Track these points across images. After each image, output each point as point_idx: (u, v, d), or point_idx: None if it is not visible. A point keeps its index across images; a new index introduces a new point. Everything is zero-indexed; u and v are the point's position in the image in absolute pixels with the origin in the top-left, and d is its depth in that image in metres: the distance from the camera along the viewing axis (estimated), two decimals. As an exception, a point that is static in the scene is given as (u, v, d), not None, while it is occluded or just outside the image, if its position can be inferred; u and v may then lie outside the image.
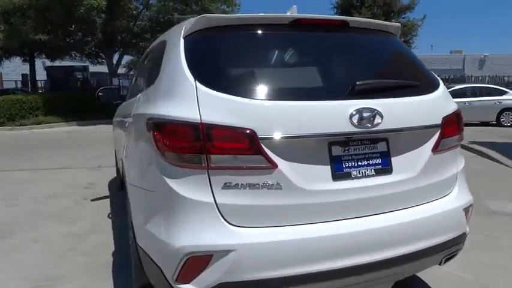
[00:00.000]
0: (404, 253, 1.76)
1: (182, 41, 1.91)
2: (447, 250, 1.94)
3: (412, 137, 1.87)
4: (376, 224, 1.74)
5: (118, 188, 5.03)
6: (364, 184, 1.75)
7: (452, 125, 1.98)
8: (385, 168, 1.80)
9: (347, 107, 1.71)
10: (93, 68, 23.72)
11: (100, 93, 4.35)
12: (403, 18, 18.66)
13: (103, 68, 21.50)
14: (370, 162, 1.78)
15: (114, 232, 3.62)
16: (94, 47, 18.27)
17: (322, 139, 1.70)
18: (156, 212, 1.75)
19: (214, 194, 1.60)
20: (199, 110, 1.61)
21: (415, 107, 1.89)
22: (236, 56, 1.86)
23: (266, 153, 1.60)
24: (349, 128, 1.70)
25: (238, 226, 1.60)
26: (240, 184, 1.60)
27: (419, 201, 1.88)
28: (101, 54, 18.92)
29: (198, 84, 1.67)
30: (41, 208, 4.37)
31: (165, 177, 1.66)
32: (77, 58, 20.25)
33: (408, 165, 1.85)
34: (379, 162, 1.80)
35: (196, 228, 1.60)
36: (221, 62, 1.83)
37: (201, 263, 1.59)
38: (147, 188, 1.85)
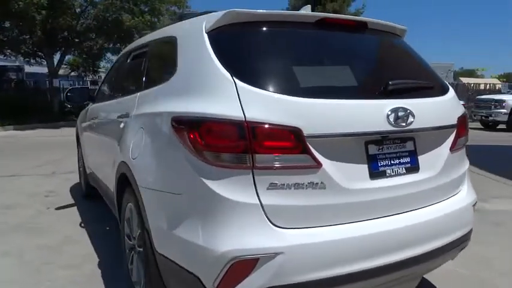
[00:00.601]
0: (432, 249, 1.81)
1: (206, 36, 1.83)
2: (462, 244, 2.03)
3: (434, 136, 1.94)
4: (408, 221, 1.77)
5: (84, 194, 4.71)
6: (397, 182, 1.78)
7: (463, 125, 2.08)
8: (413, 167, 1.85)
9: (384, 106, 1.73)
10: (29, 69, 22.06)
11: (69, 94, 4.05)
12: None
13: (41, 69, 20.07)
14: (401, 160, 1.81)
15: (93, 242, 3.37)
16: (32, 46, 16.97)
17: (360, 138, 1.70)
18: (189, 216, 1.64)
19: (259, 194, 1.54)
20: (242, 107, 1.54)
21: (437, 107, 1.96)
22: (272, 52, 1.80)
23: (312, 152, 1.56)
24: (386, 127, 1.72)
25: (284, 228, 1.55)
26: (285, 184, 1.55)
27: (440, 198, 1.95)
28: (40, 53, 17.64)
29: (237, 81, 1.60)
30: (2, 219, 3.95)
31: (202, 179, 1.57)
32: (11, 57, 18.70)
33: (431, 163, 1.91)
34: (408, 161, 1.84)
35: (241, 231, 1.52)
36: (258, 58, 1.77)
37: (246, 268, 1.52)
38: (173, 191, 1.73)
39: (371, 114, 1.71)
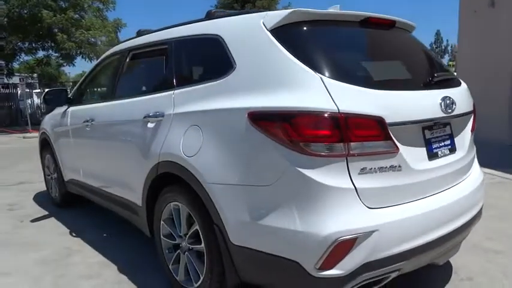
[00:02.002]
0: (469, 219, 2.11)
1: (269, 33, 1.92)
2: (480, 216, 2.37)
3: (463, 121, 2.25)
4: (454, 195, 2.04)
5: (58, 204, 4.41)
6: (446, 162, 2.05)
7: (475, 111, 2.43)
8: (452, 148, 2.14)
9: (436, 96, 1.98)
10: None
11: (47, 97, 3.77)
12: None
13: None
14: (445, 143, 2.09)
15: (99, 250, 3.21)
16: None
17: (420, 124, 1.94)
18: (282, 205, 1.73)
19: (353, 179, 1.69)
20: (333, 100, 1.67)
21: (464, 95, 2.28)
22: (340, 49, 1.97)
23: (392, 138, 1.76)
24: (439, 114, 1.98)
25: (375, 208, 1.72)
26: (372, 168, 1.73)
27: (467, 175, 2.27)
28: None
29: (323, 76, 1.73)
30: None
31: (299, 168, 1.67)
32: None
33: (461, 144, 2.22)
34: (449, 143, 2.12)
35: (340, 214, 1.66)
36: (332, 54, 1.91)
37: (346, 247, 1.66)
38: (258, 184, 1.80)
39: (429, 102, 1.95)
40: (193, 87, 2.26)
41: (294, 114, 1.70)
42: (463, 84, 2.38)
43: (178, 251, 2.37)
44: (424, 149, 1.96)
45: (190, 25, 2.53)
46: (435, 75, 2.06)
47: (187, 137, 2.15)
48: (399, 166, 1.80)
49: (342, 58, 1.94)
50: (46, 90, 3.99)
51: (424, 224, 1.85)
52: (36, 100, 18.39)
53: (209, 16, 2.43)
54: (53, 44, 15.85)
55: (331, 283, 1.69)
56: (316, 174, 1.66)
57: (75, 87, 3.95)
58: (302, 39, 1.92)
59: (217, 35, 2.20)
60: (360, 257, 1.67)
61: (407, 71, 2.14)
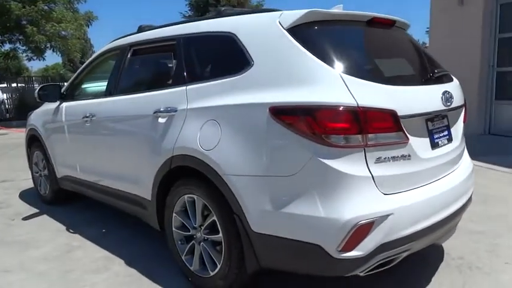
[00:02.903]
0: (464, 202, 2.31)
1: (286, 32, 2.02)
2: (471, 200, 2.58)
3: (457, 113, 2.44)
4: (452, 181, 2.23)
5: (48, 201, 4.35)
6: (445, 151, 2.23)
7: (466, 104, 2.63)
8: (449, 138, 2.32)
9: (438, 90, 2.16)
10: None
11: (41, 92, 3.71)
12: None
13: None
14: (444, 133, 2.27)
15: (101, 244, 3.23)
16: None
17: (424, 116, 2.10)
18: (304, 193, 1.85)
19: (370, 168, 1.83)
20: (352, 95, 1.81)
21: (457, 89, 2.47)
22: (354, 47, 2.11)
23: (404, 130, 1.91)
24: (440, 107, 2.15)
25: (389, 194, 1.88)
26: (386, 158, 1.88)
27: (459, 163, 2.46)
28: None
29: (341, 73, 1.86)
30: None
31: (321, 159, 1.80)
32: None
33: (456, 134, 2.41)
34: (446, 133, 2.30)
35: (359, 200, 1.81)
36: (347, 52, 2.04)
37: (365, 230, 1.80)
38: (281, 174, 1.91)
39: (432, 96, 2.12)
40: (207, 83, 2.33)
41: (317, 108, 1.81)
42: (455, 80, 2.58)
43: (193, 241, 2.45)
44: (428, 139, 2.13)
45: (200, 22, 2.59)
46: (435, 71, 2.23)
47: (205, 131, 2.22)
48: (408, 155, 1.96)
49: (355, 56, 2.08)
50: (40, 85, 3.89)
51: (430, 208, 2.02)
52: (1, 95, 17.62)
53: (220, 14, 2.51)
54: (21, 37, 15.22)
55: (351, 264, 1.83)
56: (338, 164, 1.79)
57: (68, 83, 3.90)
58: (319, 38, 2.04)
59: (231, 32, 2.27)
60: (377, 239, 1.82)
61: (410, 67, 2.31)
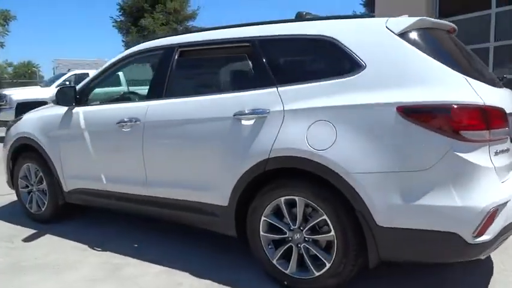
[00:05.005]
0: None
1: (398, 37, 2.18)
2: None
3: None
4: None
5: (46, 217, 3.85)
6: None
7: None
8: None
9: (509, 93, 2.48)
10: None
11: (58, 95, 3.31)
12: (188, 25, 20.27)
13: None
14: (511, 132, 2.61)
15: (149, 258, 2.99)
16: None
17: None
18: (439, 185, 2.00)
19: (492, 160, 2.05)
20: (478, 95, 2.02)
21: None
22: (455, 51, 2.33)
23: (510, 126, 2.18)
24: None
25: (503, 182, 2.12)
26: (499, 150, 2.12)
27: None
28: None
29: (464, 75, 2.07)
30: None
31: (457, 153, 1.97)
32: None
33: None
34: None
35: (488, 189, 2.02)
36: (455, 56, 2.28)
37: (493, 216, 2.01)
38: (415, 169, 2.03)
39: (508, 98, 2.42)
40: (307, 85, 2.35)
41: (453, 107, 1.99)
42: None
43: (289, 244, 2.43)
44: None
45: (287, 25, 2.61)
46: (504, 75, 2.56)
47: (314, 131, 2.24)
48: (508, 149, 2.22)
49: (460, 59, 2.32)
50: (59, 88, 3.44)
51: None
52: None
53: (300, 17, 2.57)
54: None
55: (481, 247, 2.03)
56: (472, 157, 1.99)
57: (82, 86, 3.51)
58: (429, 42, 2.23)
59: (330, 37, 2.34)
60: (500, 223, 2.05)
61: (482, 71, 2.60)
